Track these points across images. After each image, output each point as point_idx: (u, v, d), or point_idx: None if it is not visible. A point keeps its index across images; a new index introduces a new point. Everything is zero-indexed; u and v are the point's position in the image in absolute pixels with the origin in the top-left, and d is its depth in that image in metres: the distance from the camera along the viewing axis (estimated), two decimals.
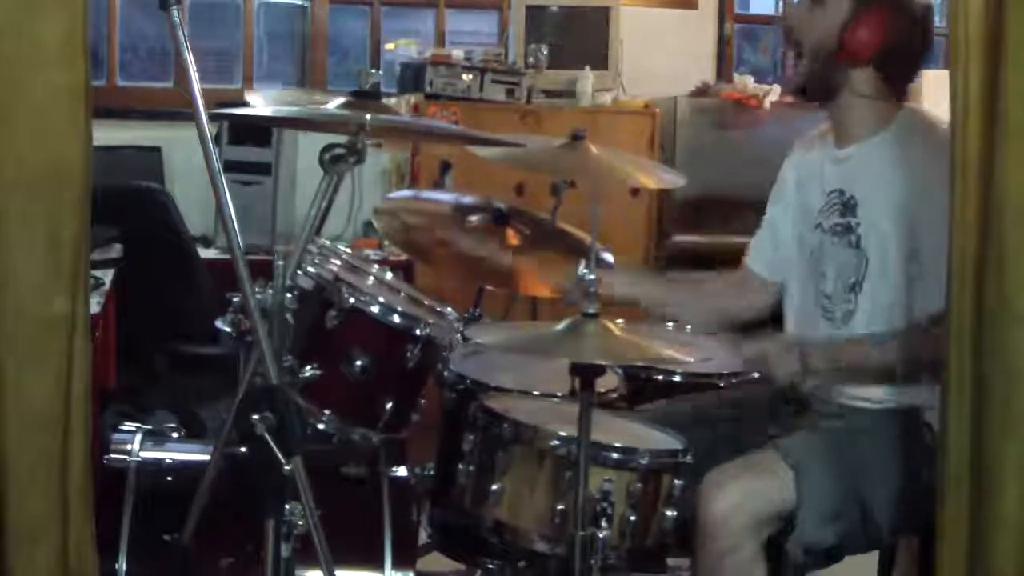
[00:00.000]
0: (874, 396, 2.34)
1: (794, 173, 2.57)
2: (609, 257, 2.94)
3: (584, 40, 4.82)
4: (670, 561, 2.37)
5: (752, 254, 2.65)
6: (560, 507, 2.08)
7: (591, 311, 1.94)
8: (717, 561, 2.15)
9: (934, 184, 2.08)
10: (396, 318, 2.32)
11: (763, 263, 2.62)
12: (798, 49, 2.39)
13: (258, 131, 4.27)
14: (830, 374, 2.32)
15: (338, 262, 2.46)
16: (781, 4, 5.59)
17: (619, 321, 2.01)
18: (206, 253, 4.11)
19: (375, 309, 2.31)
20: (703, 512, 2.16)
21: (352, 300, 2.28)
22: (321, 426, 2.29)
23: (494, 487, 2.13)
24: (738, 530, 2.14)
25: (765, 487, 2.18)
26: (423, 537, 2.51)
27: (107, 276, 3.03)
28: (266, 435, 1.69)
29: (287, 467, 1.70)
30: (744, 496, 2.16)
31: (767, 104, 4.76)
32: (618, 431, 2.21)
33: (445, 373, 2.44)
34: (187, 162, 4.57)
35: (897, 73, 2.38)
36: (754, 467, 2.22)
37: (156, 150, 4.64)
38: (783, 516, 2.19)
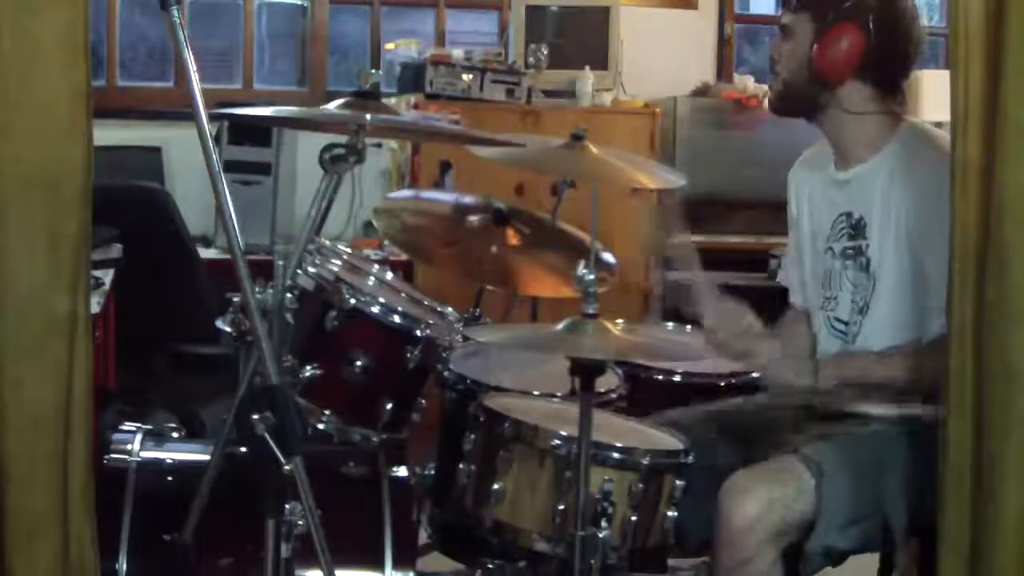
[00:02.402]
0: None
1: (796, 196, 2.56)
2: (609, 257, 2.94)
3: (584, 40, 4.82)
4: (670, 561, 2.37)
5: (792, 291, 2.60)
6: (561, 507, 2.07)
7: (590, 311, 1.94)
8: (736, 570, 2.13)
9: (941, 201, 2.02)
10: (396, 318, 2.32)
11: (801, 295, 2.58)
12: (778, 76, 2.42)
13: (258, 131, 4.27)
14: (836, 391, 2.29)
15: (338, 262, 2.46)
16: (781, 4, 5.59)
17: (619, 321, 2.01)
18: (206, 253, 4.10)
19: (375, 309, 2.31)
20: (724, 520, 2.14)
21: (352, 300, 2.27)
22: (321, 426, 2.29)
23: (495, 487, 2.13)
24: (759, 540, 2.12)
25: (788, 496, 2.15)
26: (423, 537, 2.51)
27: (107, 276, 3.02)
28: (266, 435, 1.69)
29: (287, 467, 1.70)
30: (767, 505, 2.13)
31: (767, 104, 4.74)
32: (619, 431, 2.21)
33: (445, 373, 2.44)
34: (187, 162, 4.56)
35: (883, 79, 2.35)
36: (777, 475, 2.18)
37: (156, 150, 4.63)
38: (804, 524, 2.16)
